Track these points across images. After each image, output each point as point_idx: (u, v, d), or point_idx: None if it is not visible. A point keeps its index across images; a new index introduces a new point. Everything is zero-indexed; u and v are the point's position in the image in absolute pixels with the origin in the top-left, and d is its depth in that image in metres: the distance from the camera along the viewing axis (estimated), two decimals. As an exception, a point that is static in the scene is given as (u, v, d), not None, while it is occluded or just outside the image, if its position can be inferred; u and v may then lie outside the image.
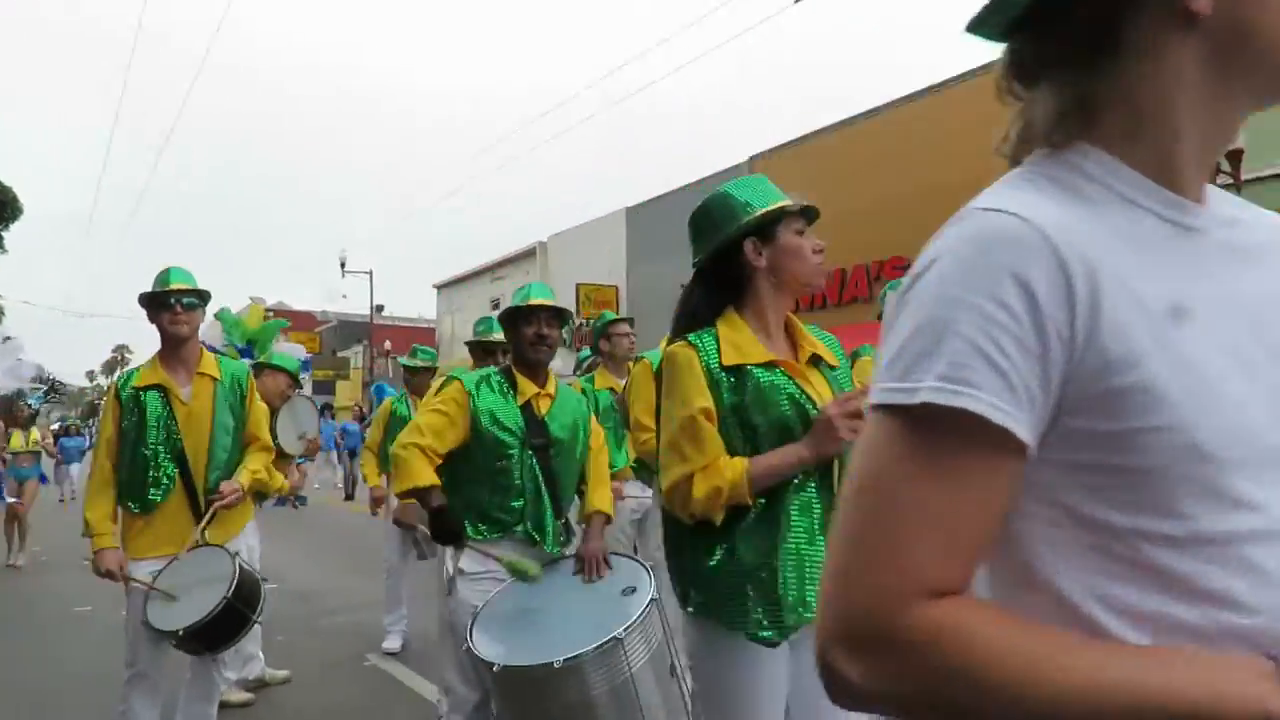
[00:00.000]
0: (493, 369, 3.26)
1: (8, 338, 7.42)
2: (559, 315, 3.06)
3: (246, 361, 6.42)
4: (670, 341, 2.22)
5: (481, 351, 5.07)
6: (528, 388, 3.09)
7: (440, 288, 36.45)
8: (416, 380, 6.09)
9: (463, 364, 6.24)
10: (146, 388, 3.23)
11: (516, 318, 3.12)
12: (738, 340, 2.13)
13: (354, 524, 11.53)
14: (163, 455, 3.18)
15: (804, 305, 21.97)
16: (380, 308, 43.28)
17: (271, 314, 6.95)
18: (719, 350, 2.11)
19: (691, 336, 2.15)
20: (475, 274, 34.40)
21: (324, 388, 46.77)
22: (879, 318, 4.44)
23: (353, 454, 18.11)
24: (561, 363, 9.23)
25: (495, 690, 2.54)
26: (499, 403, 3.02)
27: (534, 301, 3.08)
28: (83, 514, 3.14)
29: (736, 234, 2.16)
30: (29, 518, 9.32)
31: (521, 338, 3.10)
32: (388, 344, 36.17)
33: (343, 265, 35.91)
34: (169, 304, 3.16)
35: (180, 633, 2.95)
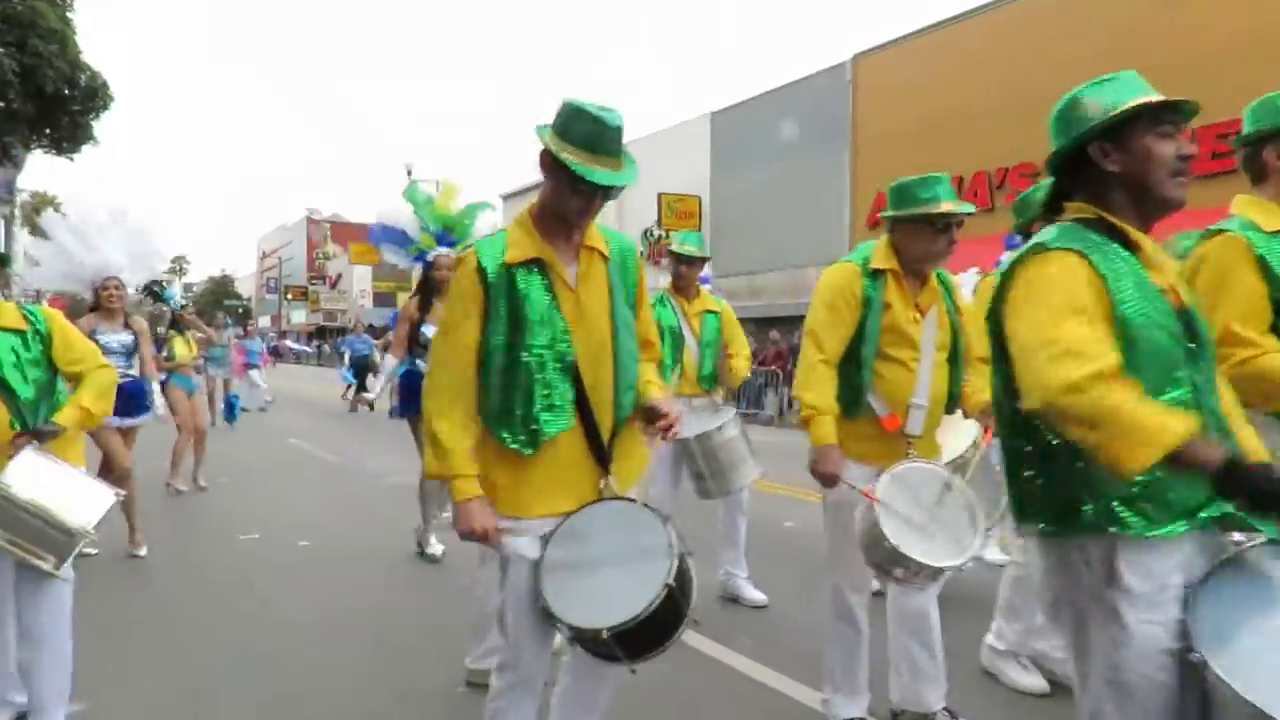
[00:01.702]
0: None
1: (122, 211, 6.11)
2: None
3: (449, 251, 5.50)
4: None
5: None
6: None
7: (507, 198, 35.27)
8: (688, 273, 4.80)
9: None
10: (523, 264, 2.25)
11: None
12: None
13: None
14: (551, 367, 2.24)
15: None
16: (435, 219, 42.19)
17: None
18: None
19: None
20: (533, 187, 32.97)
21: (385, 299, 46.51)
22: (1022, 231, 3.48)
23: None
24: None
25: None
26: None
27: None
28: (437, 441, 2.22)
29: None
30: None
31: None
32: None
33: (409, 173, 34.95)
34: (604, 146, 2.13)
35: (605, 633, 2.07)
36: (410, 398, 5.43)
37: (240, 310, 58.04)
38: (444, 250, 5.46)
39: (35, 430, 2.96)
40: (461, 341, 2.24)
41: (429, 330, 5.41)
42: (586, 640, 2.16)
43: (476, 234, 5.64)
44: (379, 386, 6.05)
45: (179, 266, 67.42)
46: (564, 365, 2.23)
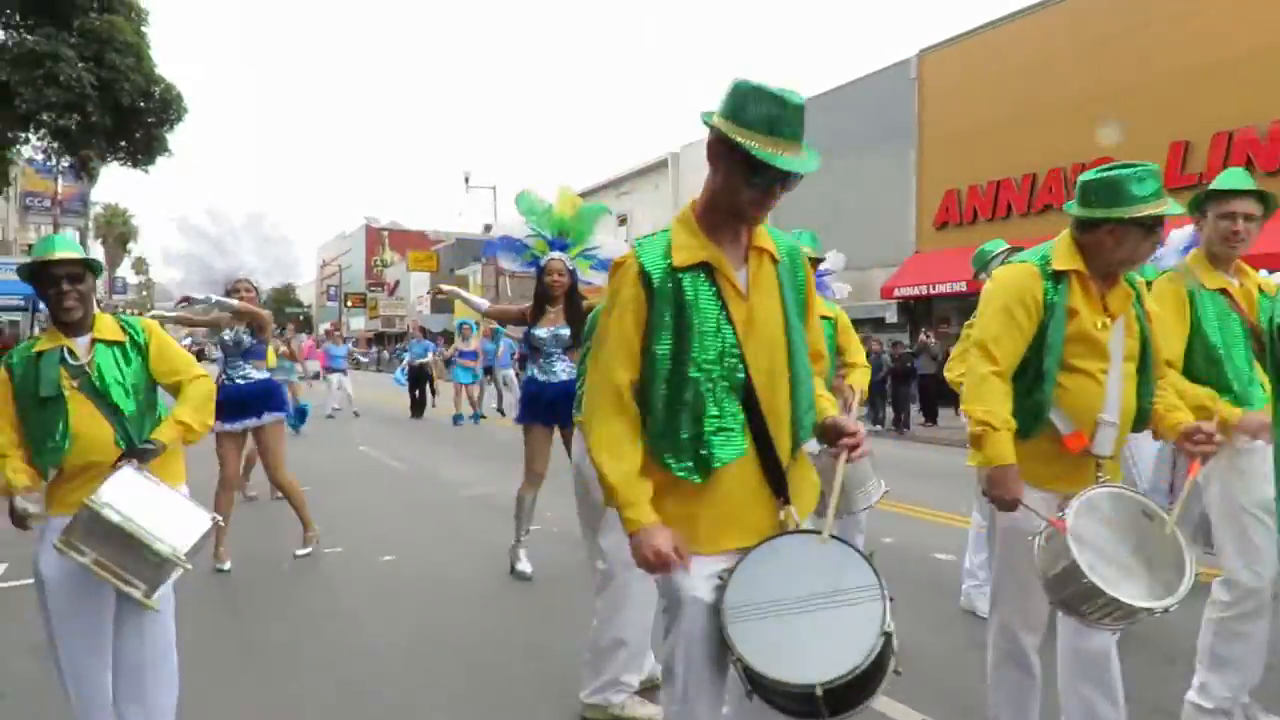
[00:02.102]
0: None
1: (260, 216, 6.27)
2: None
3: (560, 255, 5.30)
4: None
5: None
6: None
7: (563, 203, 35.25)
8: None
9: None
10: (689, 269, 1.96)
11: None
12: None
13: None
14: (722, 385, 1.94)
15: (984, 215, 19.98)
16: (488, 227, 42.52)
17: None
18: None
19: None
20: (600, 188, 33.04)
21: (443, 306, 46.88)
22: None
23: (489, 371, 17.36)
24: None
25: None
26: None
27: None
28: (600, 470, 1.96)
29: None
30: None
31: None
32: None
33: (466, 181, 35.30)
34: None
35: (819, 689, 1.80)
36: (530, 405, 5.33)
37: (302, 318, 59.11)
38: (556, 255, 5.27)
39: (135, 450, 2.79)
40: (620, 354, 1.99)
41: (543, 333, 5.23)
42: (785, 696, 1.87)
43: (593, 239, 5.44)
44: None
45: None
46: (735, 383, 1.97)
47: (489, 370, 17.15)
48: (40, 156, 13.62)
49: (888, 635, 1.80)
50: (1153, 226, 2.41)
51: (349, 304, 63.26)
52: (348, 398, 17.46)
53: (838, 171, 24.02)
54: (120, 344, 2.91)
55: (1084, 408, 2.48)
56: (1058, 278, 2.49)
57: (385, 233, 61.09)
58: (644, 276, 1.97)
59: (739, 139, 1.85)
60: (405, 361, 18.84)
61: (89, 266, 2.86)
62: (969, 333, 3.57)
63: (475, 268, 43.23)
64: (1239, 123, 14.82)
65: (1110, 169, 2.46)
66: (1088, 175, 2.50)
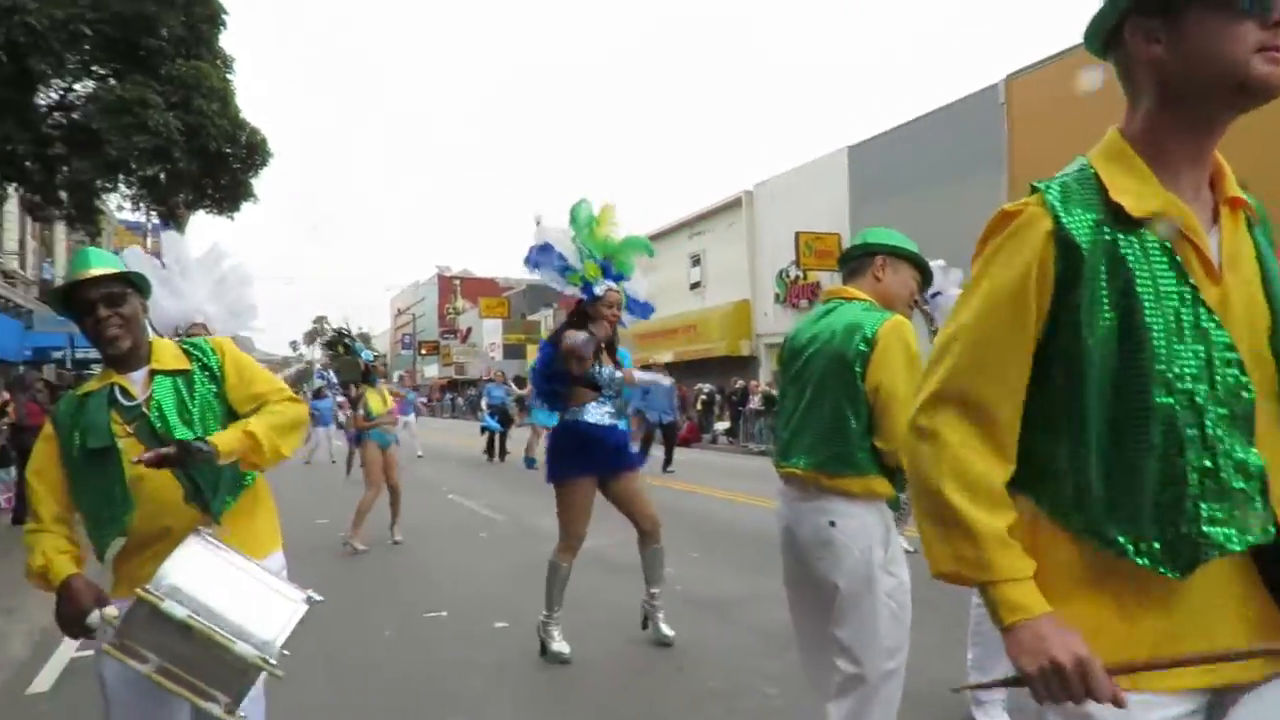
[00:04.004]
0: None
1: (218, 255, 5.43)
2: None
3: (617, 286, 4.61)
4: None
5: None
6: None
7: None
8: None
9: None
10: (1139, 224, 1.24)
11: None
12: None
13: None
14: (1214, 414, 1.18)
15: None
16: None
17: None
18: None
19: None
20: (673, 229, 32.58)
21: (514, 351, 46.85)
22: None
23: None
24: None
25: None
26: None
27: None
28: (957, 512, 1.23)
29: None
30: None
31: None
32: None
33: (538, 223, 35.06)
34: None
35: None
36: (558, 457, 4.65)
37: (378, 365, 59.95)
38: (613, 285, 4.58)
39: (181, 450, 2.04)
40: (992, 366, 1.26)
41: (607, 373, 4.54)
42: None
43: (632, 274, 4.73)
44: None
45: (320, 325, 70.27)
46: (1241, 410, 1.20)
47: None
48: (128, 204, 13.55)
49: None
50: None
51: (422, 352, 63.95)
52: (411, 440, 17.83)
53: (922, 202, 23.17)
54: (185, 373, 2.26)
55: None
56: None
57: (457, 281, 61.78)
58: (1060, 237, 1.23)
59: None
60: (485, 405, 18.54)
61: (131, 283, 2.22)
62: None
63: (547, 313, 43.11)
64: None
65: None
66: None
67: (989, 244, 1.31)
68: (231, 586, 2.01)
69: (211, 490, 2.16)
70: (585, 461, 4.54)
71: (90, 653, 4.47)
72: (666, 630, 4.69)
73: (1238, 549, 1.17)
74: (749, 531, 6.27)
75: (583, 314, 4.60)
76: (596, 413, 4.57)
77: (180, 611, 1.89)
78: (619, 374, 4.59)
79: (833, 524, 2.57)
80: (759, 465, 14.37)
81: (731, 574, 6.15)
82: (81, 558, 2.12)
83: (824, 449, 2.59)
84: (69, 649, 4.77)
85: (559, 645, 4.60)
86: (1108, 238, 1.22)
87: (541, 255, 4.75)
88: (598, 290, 4.56)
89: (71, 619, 1.98)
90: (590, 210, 4.70)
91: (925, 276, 2.88)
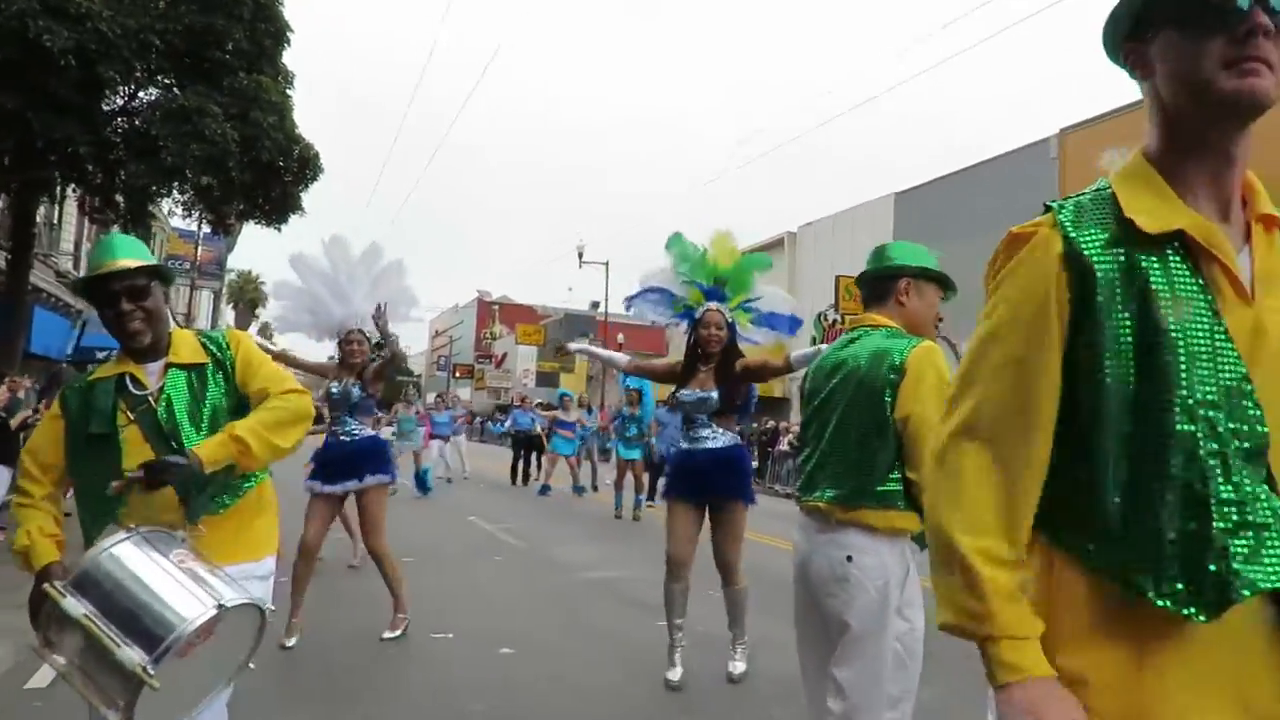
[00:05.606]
0: None
1: (370, 249, 5.79)
2: None
3: (719, 306, 4.55)
4: None
5: None
6: None
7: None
8: None
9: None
10: (1158, 242, 1.16)
11: None
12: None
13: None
14: (1236, 447, 1.10)
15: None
16: (596, 304, 42.57)
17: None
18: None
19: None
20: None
21: (547, 379, 46.99)
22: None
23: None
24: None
25: None
26: None
27: None
28: (965, 560, 1.14)
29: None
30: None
31: None
32: (620, 338, 35.14)
33: (580, 255, 35.46)
34: None
35: None
36: (674, 478, 4.64)
37: (413, 386, 60.49)
38: (714, 305, 4.54)
39: (156, 469, 1.97)
40: (1019, 391, 1.19)
41: (688, 395, 4.49)
42: None
43: (754, 290, 4.68)
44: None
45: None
46: (1257, 442, 1.11)
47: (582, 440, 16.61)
48: (180, 210, 13.87)
49: None
50: None
51: (457, 374, 64.45)
52: (459, 461, 17.74)
53: (970, 250, 22.92)
54: (200, 366, 2.23)
55: None
56: None
57: (496, 307, 62.29)
58: (1071, 260, 1.17)
59: None
60: (509, 426, 18.71)
61: (156, 275, 2.20)
62: None
63: (583, 343, 43.24)
64: None
65: None
66: None
67: (1000, 270, 1.25)
68: (160, 585, 1.86)
69: (195, 493, 2.09)
70: (684, 485, 4.55)
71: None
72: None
73: (1275, 585, 1.07)
74: (770, 575, 6.15)
75: (695, 337, 4.58)
76: (699, 435, 4.52)
77: (78, 610, 1.79)
78: (711, 395, 4.48)
79: (850, 559, 2.46)
80: (785, 508, 14.14)
81: (748, 616, 6.01)
82: (64, 541, 2.10)
83: (849, 481, 2.49)
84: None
85: (672, 673, 4.49)
86: (1124, 257, 1.16)
87: (645, 293, 4.79)
88: (697, 314, 4.58)
89: (41, 607, 1.93)
90: (685, 244, 4.71)
91: (949, 291, 2.78)
